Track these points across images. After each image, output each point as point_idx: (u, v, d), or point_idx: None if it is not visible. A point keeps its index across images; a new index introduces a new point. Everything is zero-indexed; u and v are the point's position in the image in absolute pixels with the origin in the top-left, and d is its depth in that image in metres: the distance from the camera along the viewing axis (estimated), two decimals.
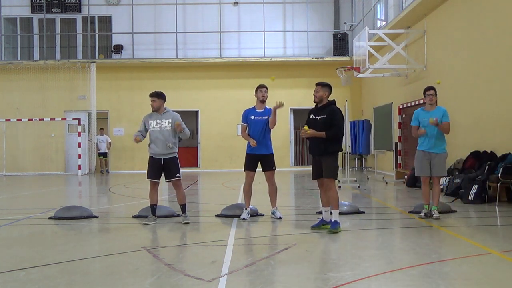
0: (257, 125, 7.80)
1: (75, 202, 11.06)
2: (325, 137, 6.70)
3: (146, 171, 7.67)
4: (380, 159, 17.91)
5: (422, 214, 7.78)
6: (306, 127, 6.83)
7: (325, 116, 6.79)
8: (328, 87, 6.99)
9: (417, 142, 8.06)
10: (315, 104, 7.04)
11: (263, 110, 7.89)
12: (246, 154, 7.89)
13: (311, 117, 6.99)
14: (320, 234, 6.80)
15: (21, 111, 20.87)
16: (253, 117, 7.84)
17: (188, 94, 21.59)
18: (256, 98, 7.97)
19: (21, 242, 6.66)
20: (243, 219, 7.71)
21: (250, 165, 7.84)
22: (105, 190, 14.20)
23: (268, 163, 7.84)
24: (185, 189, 13.41)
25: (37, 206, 10.33)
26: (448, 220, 7.66)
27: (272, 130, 7.93)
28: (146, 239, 6.76)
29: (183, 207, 7.71)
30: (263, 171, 7.88)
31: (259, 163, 7.86)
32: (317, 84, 7.00)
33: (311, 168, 7.12)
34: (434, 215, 7.61)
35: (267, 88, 7.90)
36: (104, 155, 20.94)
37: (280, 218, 7.76)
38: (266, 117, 7.82)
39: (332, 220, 6.75)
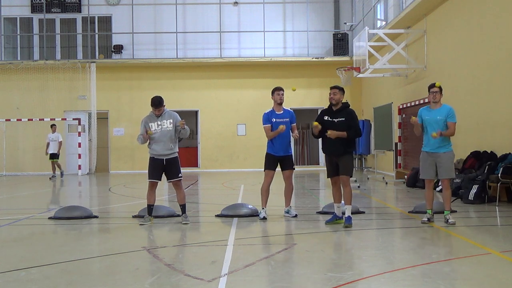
0: (278, 128, 7.78)
1: (75, 202, 11.06)
2: (346, 137, 7.16)
3: (147, 171, 7.67)
4: (380, 159, 17.91)
5: (425, 219, 7.30)
6: (315, 123, 7.25)
7: (343, 118, 7.26)
8: (343, 91, 7.52)
9: (421, 142, 7.80)
10: (329, 106, 7.44)
11: (282, 112, 7.92)
12: (267, 153, 7.94)
13: (326, 118, 7.36)
14: (319, 234, 6.82)
15: (21, 111, 20.85)
16: (274, 120, 7.85)
17: (188, 94, 21.58)
18: (273, 101, 7.96)
19: (21, 242, 6.66)
20: (263, 218, 7.73)
21: (270, 165, 7.89)
22: (105, 190, 14.20)
23: (288, 163, 7.94)
24: (185, 189, 13.43)
25: (37, 206, 10.34)
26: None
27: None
28: (146, 239, 6.76)
29: (183, 208, 7.71)
30: (282, 170, 7.96)
31: (279, 164, 7.93)
32: (333, 88, 7.44)
33: (326, 167, 7.57)
34: (449, 221, 7.12)
35: (283, 90, 7.99)
36: (55, 156, 18.10)
37: (296, 215, 7.87)
38: (287, 119, 7.88)
39: (346, 216, 7.16)
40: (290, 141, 8.05)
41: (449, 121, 7.24)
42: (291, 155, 8.05)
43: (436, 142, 7.25)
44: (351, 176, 7.32)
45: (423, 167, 7.44)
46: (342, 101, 7.44)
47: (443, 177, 7.32)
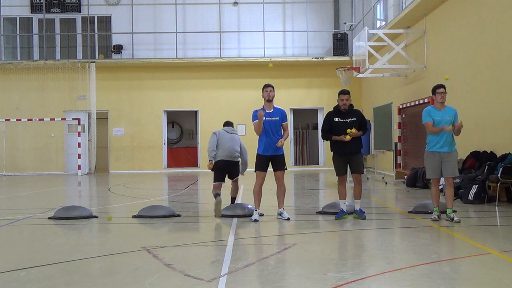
0: (267, 126, 7.70)
1: (75, 202, 11.06)
2: (360, 136, 7.87)
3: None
4: (380, 159, 17.91)
5: (436, 216, 7.50)
6: (348, 137, 7.68)
7: (355, 118, 7.86)
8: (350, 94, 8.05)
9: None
10: (336, 107, 7.92)
11: (272, 110, 7.76)
12: (257, 155, 7.82)
13: (336, 120, 7.85)
14: (319, 234, 6.82)
15: (20, 111, 20.85)
16: (263, 118, 7.70)
17: (188, 94, 21.57)
18: (263, 99, 7.84)
19: (21, 242, 6.67)
20: (255, 220, 7.61)
21: (261, 166, 7.76)
22: (105, 190, 14.20)
23: (279, 163, 7.79)
24: (185, 189, 13.45)
25: (37, 206, 10.33)
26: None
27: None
28: (146, 239, 6.75)
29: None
30: (274, 171, 7.83)
31: (270, 163, 7.81)
32: (344, 93, 7.90)
33: (336, 166, 7.92)
34: (454, 219, 7.28)
35: (272, 87, 7.82)
36: None
37: (288, 219, 7.73)
38: (277, 118, 7.73)
39: (358, 209, 7.81)
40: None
41: (455, 121, 7.53)
42: (283, 155, 7.85)
43: (443, 142, 7.49)
44: (362, 173, 7.93)
45: (432, 167, 7.59)
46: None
47: (448, 175, 7.54)
